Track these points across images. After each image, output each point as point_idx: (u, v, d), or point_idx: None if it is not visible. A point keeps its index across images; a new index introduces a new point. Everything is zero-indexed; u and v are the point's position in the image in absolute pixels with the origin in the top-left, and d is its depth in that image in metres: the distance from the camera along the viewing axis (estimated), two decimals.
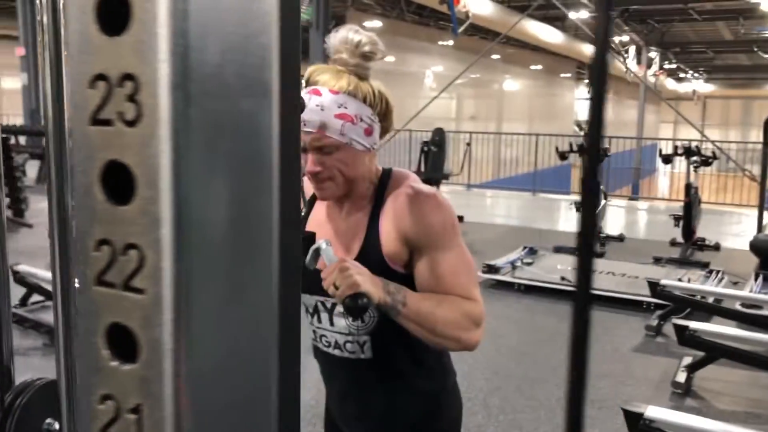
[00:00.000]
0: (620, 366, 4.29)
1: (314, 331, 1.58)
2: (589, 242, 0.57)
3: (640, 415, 2.87)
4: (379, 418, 1.59)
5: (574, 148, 7.60)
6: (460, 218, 9.34)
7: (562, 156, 7.68)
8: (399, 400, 1.57)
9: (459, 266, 1.43)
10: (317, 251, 1.36)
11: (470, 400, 3.78)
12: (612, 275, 6.10)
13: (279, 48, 0.46)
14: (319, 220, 1.56)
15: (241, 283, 0.47)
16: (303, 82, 1.43)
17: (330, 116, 1.37)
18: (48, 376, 3.98)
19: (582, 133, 8.56)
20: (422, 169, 8.93)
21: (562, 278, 5.80)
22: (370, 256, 1.44)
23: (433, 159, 8.84)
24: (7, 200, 9.06)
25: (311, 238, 1.38)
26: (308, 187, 1.62)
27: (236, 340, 0.47)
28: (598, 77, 0.55)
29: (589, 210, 0.52)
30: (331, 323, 1.52)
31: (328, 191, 1.46)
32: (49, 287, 4.21)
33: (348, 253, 1.48)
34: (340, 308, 1.47)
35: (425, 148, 8.89)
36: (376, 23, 19.12)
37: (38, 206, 7.78)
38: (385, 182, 1.50)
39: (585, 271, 0.59)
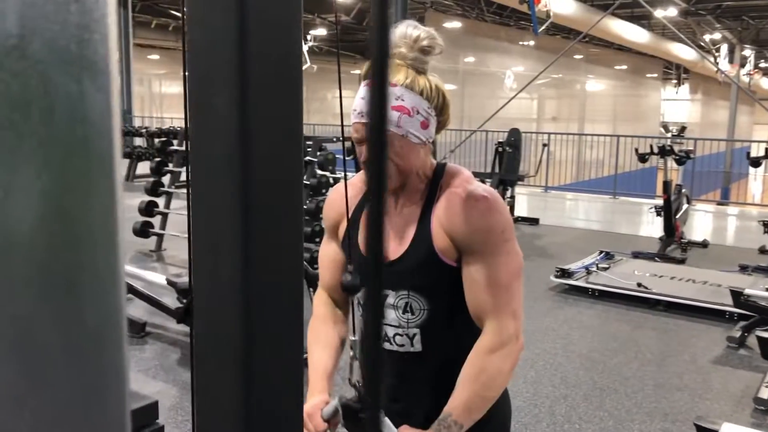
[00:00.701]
0: (698, 378, 4.08)
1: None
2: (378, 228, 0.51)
3: None
4: (425, 416, 1.57)
5: (655, 149, 7.30)
6: (535, 221, 9.16)
7: (642, 158, 7.39)
8: (446, 398, 1.55)
9: (499, 277, 1.41)
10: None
11: (536, 407, 3.69)
12: (692, 282, 5.83)
13: (116, 19, 0.38)
14: None
15: (45, 318, 0.36)
16: (361, 75, 1.44)
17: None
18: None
19: (668, 135, 8.19)
20: (496, 170, 8.81)
21: (639, 284, 5.58)
22: (422, 247, 1.45)
23: (508, 160, 8.69)
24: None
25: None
26: (355, 186, 1.62)
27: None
28: (379, 66, 0.50)
29: (378, 201, 0.47)
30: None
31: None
32: (131, 281, 4.36)
33: (400, 245, 1.48)
34: (391, 299, 1.49)
35: (500, 149, 8.75)
36: (456, 24, 19.00)
37: (128, 203, 8.11)
38: (438, 177, 1.49)
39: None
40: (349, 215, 1.59)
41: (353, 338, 1.46)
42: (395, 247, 1.48)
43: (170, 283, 4.55)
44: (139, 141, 13.68)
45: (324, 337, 1.61)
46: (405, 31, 1.43)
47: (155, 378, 3.97)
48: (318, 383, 1.52)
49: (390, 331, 1.52)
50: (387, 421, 1.40)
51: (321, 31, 21.03)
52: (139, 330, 4.64)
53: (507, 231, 1.44)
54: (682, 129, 10.84)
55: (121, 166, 0.44)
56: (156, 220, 7.36)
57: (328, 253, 1.67)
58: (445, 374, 1.53)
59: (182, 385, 3.86)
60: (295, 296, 0.73)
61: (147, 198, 7.34)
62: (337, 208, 1.62)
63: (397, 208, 1.52)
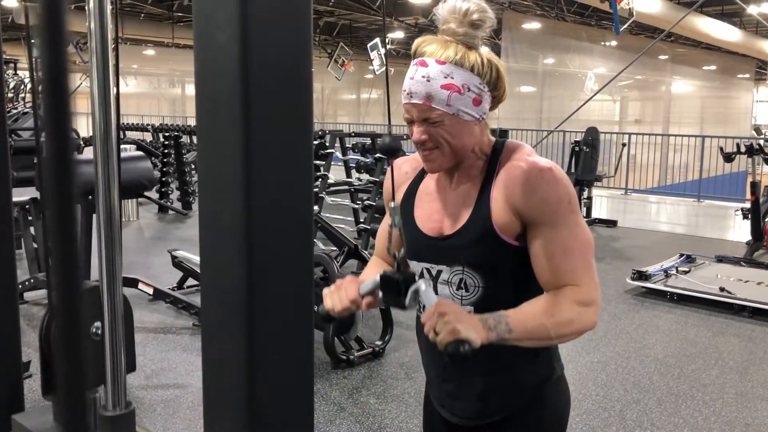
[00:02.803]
0: None
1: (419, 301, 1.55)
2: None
3: None
4: (476, 399, 1.52)
5: (742, 149, 6.93)
6: (613, 223, 8.87)
7: (728, 158, 7.02)
8: (499, 380, 1.49)
9: (572, 245, 1.35)
10: (416, 292, 1.35)
11: (605, 410, 3.54)
12: None
13: None
14: (429, 190, 1.53)
15: None
16: (412, 53, 1.41)
17: (436, 87, 1.34)
18: (197, 357, 4.23)
19: (762, 139, 7.76)
20: (572, 170, 8.58)
21: (722, 289, 5.30)
22: (479, 224, 1.40)
23: (585, 160, 8.46)
24: (177, 193, 9.82)
25: (410, 278, 1.37)
26: (399, 167, 1.59)
27: None
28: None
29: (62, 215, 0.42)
30: (436, 291, 1.48)
31: (436, 162, 1.43)
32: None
33: (457, 221, 1.44)
34: (445, 275, 1.46)
35: (576, 148, 8.52)
36: (535, 24, 18.67)
37: None
38: (497, 153, 1.44)
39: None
40: (405, 190, 1.56)
41: (393, 204, 1.42)
42: (451, 223, 1.45)
43: None
44: None
45: (371, 268, 1.63)
46: (454, 5, 1.38)
47: None
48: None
49: None
50: (429, 289, 1.36)
51: (399, 34, 21.07)
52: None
53: (574, 203, 1.38)
54: None
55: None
56: None
57: (384, 227, 1.65)
58: (498, 356, 1.48)
59: None
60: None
61: None
62: (397, 179, 1.59)
63: (452, 185, 1.48)
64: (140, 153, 5.19)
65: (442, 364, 1.55)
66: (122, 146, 9.10)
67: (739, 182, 13.95)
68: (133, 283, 5.04)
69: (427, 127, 1.38)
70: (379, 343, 4.21)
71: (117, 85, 1.48)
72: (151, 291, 4.99)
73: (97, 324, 2.12)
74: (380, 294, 1.40)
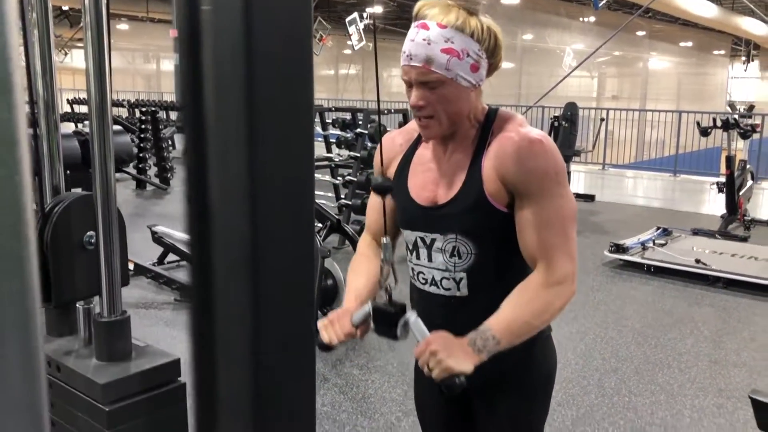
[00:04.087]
0: (757, 356, 3.93)
1: (412, 269, 1.58)
2: None
3: None
4: None
5: (718, 123, 7.01)
6: (591, 197, 8.96)
7: (704, 132, 7.11)
8: None
9: (553, 220, 1.39)
10: (407, 324, 1.40)
11: (584, 378, 3.62)
12: (755, 260, 5.60)
13: None
14: (423, 160, 1.55)
15: None
16: (413, 16, 1.42)
17: (436, 50, 1.35)
18: (180, 331, 4.24)
19: (737, 114, 7.82)
20: None
21: (697, 261, 5.40)
22: (472, 192, 1.43)
23: (564, 135, 8.51)
24: (155, 169, 9.73)
25: (401, 309, 1.41)
26: (392, 139, 1.60)
27: None
28: None
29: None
30: (429, 259, 1.52)
31: (433, 129, 1.45)
32: (184, 247, 4.45)
33: (450, 189, 1.47)
34: (438, 243, 1.49)
35: (555, 123, 8.57)
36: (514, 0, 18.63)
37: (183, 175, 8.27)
38: (490, 121, 1.47)
39: None
40: (399, 161, 1.58)
41: (385, 240, 1.44)
42: (444, 192, 1.48)
43: None
44: None
45: (363, 268, 1.62)
46: None
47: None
48: (351, 302, 1.53)
49: (437, 275, 1.52)
50: (418, 321, 1.40)
51: (378, 9, 20.90)
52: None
53: (561, 174, 1.42)
54: (750, 108, 10.42)
55: None
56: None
57: (374, 202, 1.67)
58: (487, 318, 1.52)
59: None
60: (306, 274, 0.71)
61: None
62: (387, 153, 1.61)
63: (446, 155, 1.50)
64: (119, 127, 5.14)
65: (436, 327, 1.59)
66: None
67: (714, 158, 14.13)
68: None
69: (425, 91, 1.39)
70: None
71: (109, 61, 1.47)
72: (131, 266, 4.97)
73: (91, 233, 2.10)
74: (372, 325, 1.45)
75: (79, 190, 2.62)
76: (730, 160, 6.90)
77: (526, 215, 1.40)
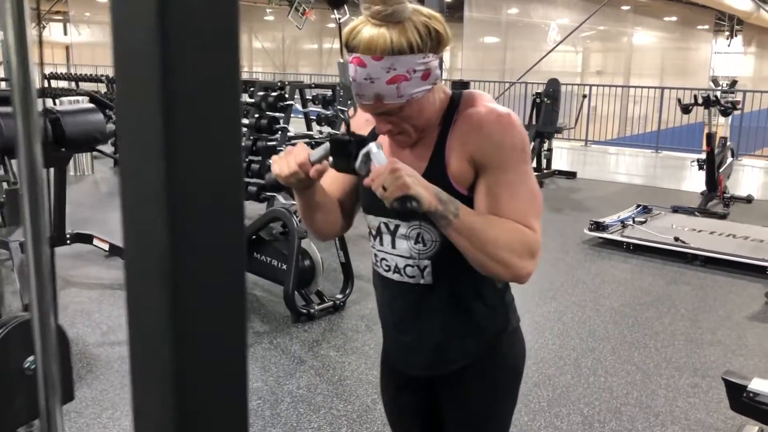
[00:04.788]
0: (732, 334, 3.96)
1: (375, 255, 1.54)
2: None
3: (744, 388, 2.62)
4: (433, 350, 1.53)
5: (699, 100, 7.00)
6: (572, 174, 8.95)
7: (685, 109, 7.10)
8: (456, 332, 1.51)
9: (520, 191, 1.35)
10: (368, 155, 1.30)
11: (561, 359, 3.62)
12: (732, 238, 5.63)
13: None
14: (386, 143, 1.49)
15: None
16: (344, 44, 1.33)
17: (382, 85, 1.29)
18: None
19: (719, 90, 7.77)
20: (534, 122, 8.59)
21: (676, 239, 5.41)
22: (436, 176, 1.37)
23: (546, 111, 8.47)
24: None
25: (361, 141, 1.32)
26: (362, 114, 1.55)
27: None
28: None
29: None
30: (393, 246, 1.48)
31: (407, 141, 1.43)
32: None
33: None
34: (402, 230, 1.45)
35: (537, 100, 8.52)
36: None
37: None
38: (455, 104, 1.42)
39: None
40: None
41: (340, 60, 1.33)
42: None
43: None
44: None
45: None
46: None
47: None
48: None
49: (401, 263, 1.48)
50: (380, 152, 1.30)
51: None
52: None
53: (527, 151, 1.38)
54: (733, 83, 10.42)
55: None
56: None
57: (331, 172, 1.51)
58: (456, 309, 1.49)
59: None
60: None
61: None
62: (359, 122, 1.54)
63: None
64: (91, 105, 5.03)
65: (400, 316, 1.55)
66: (74, 98, 8.83)
67: (696, 133, 14.18)
68: (87, 239, 4.94)
69: (387, 118, 1.36)
70: (339, 296, 4.22)
71: (39, 27, 1.38)
72: (106, 247, 4.90)
73: (31, 359, 2.02)
74: (331, 160, 1.36)
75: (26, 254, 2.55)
76: (710, 137, 6.90)
77: (490, 185, 1.34)
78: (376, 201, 1.48)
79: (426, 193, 1.24)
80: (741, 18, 26.11)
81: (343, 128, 1.36)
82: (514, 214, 1.32)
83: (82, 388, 3.20)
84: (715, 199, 7.17)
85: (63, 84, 15.89)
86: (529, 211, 1.34)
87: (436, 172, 1.38)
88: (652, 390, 3.29)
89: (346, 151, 1.32)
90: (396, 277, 1.50)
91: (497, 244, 1.29)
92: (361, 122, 1.55)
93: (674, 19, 26.78)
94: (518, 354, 1.58)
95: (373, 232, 1.52)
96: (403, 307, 1.53)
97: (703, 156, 7.25)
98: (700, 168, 7.14)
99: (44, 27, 25.04)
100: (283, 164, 1.36)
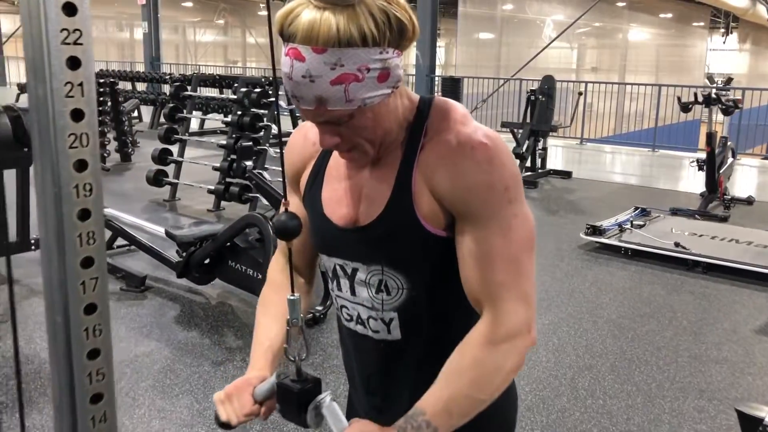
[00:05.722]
0: (739, 351, 3.70)
1: (335, 299, 1.26)
2: None
3: (760, 421, 2.36)
4: (403, 414, 1.25)
5: (699, 98, 6.74)
6: (568, 174, 8.70)
7: (685, 107, 6.83)
8: None
9: (503, 250, 1.06)
10: (317, 407, 1.07)
11: (556, 378, 3.36)
12: (735, 243, 5.38)
13: None
14: (339, 166, 1.20)
15: None
16: (277, 33, 1.03)
17: (325, 86, 0.98)
18: (122, 326, 3.87)
19: (714, 87, 7.49)
20: (528, 120, 8.33)
21: (677, 244, 5.16)
22: (400, 211, 1.10)
23: (541, 109, 8.21)
24: (114, 144, 9.30)
25: (309, 392, 1.07)
26: (304, 136, 1.27)
27: None
28: None
29: None
30: (353, 292, 1.20)
31: (360, 160, 1.13)
32: (133, 232, 4.10)
33: (373, 206, 1.13)
34: (362, 275, 1.17)
35: (532, 97, 8.26)
36: None
37: (146, 150, 7.85)
38: (423, 116, 1.12)
39: None
40: (312, 165, 1.24)
41: (291, 297, 1.08)
42: (366, 210, 1.14)
43: (169, 235, 4.28)
44: (167, 88, 13.46)
45: (275, 308, 1.27)
46: None
47: (149, 337, 3.73)
48: (259, 360, 1.21)
49: (363, 313, 1.20)
50: (333, 406, 1.07)
51: None
52: (138, 284, 4.40)
53: (513, 189, 1.07)
54: (729, 80, 10.19)
55: None
56: (170, 169, 7.11)
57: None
58: (430, 368, 1.20)
59: (175, 346, 3.61)
60: None
61: (161, 146, 7.09)
62: (299, 153, 1.26)
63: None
64: None
65: (366, 373, 1.28)
66: None
67: (693, 131, 13.95)
68: None
69: (332, 128, 1.05)
70: (319, 308, 3.94)
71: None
72: None
73: None
74: (277, 405, 1.12)
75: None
76: (711, 137, 6.64)
77: (467, 245, 1.07)
78: (326, 239, 1.19)
79: None
80: (737, 15, 25.95)
81: (290, 366, 1.10)
82: (494, 286, 1.06)
83: (31, 413, 2.93)
84: (715, 201, 6.92)
85: None
86: (516, 277, 1.06)
87: (401, 207, 1.10)
88: (655, 415, 3.03)
89: (294, 401, 1.07)
90: (359, 329, 1.23)
91: (487, 387, 1.09)
92: (307, 145, 1.25)
93: (669, 15, 26.64)
94: (510, 406, 1.31)
95: (329, 274, 1.24)
96: (369, 364, 1.26)
97: (703, 156, 7.00)
98: (700, 168, 6.88)
99: None
100: (230, 413, 1.15)
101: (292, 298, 1.08)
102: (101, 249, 0.72)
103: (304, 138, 1.26)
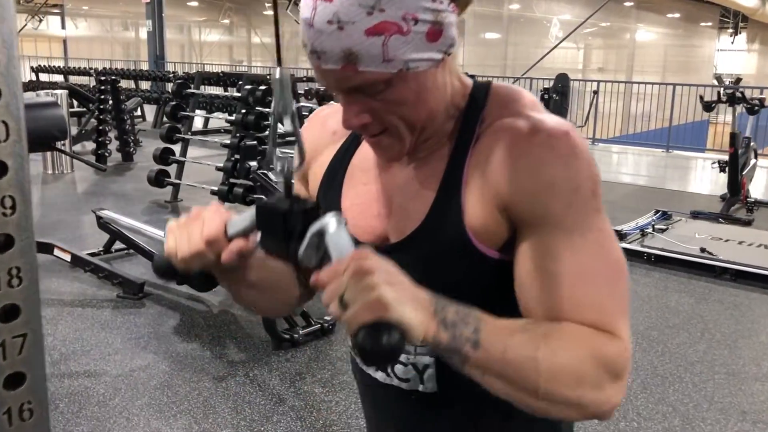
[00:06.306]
0: None
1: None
2: None
3: None
4: None
5: (723, 97, 6.47)
6: None
7: (708, 106, 6.58)
8: None
9: (594, 265, 0.78)
10: (320, 236, 0.74)
11: None
12: (764, 248, 5.11)
13: None
14: (366, 166, 0.94)
15: None
16: None
17: (358, 36, 0.74)
18: (117, 336, 3.64)
19: (721, 88, 7.20)
20: None
21: (703, 249, 4.90)
22: (446, 224, 0.84)
23: (554, 108, 7.95)
24: (116, 143, 9.07)
25: (309, 212, 0.75)
26: (323, 122, 1.02)
27: None
28: None
29: None
30: None
31: (392, 149, 0.86)
32: (131, 235, 3.84)
33: (408, 219, 0.87)
34: None
35: (546, 96, 8.00)
36: None
37: (150, 149, 7.58)
38: (478, 105, 0.87)
39: None
40: (329, 161, 0.99)
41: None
42: (399, 224, 0.89)
43: None
44: (170, 87, 13.25)
45: None
46: None
47: (146, 349, 3.48)
48: None
49: None
50: (342, 231, 0.74)
51: None
52: (136, 291, 4.16)
53: (598, 194, 0.82)
54: (737, 81, 9.93)
55: None
56: (172, 169, 6.87)
57: None
58: (473, 430, 0.95)
59: (174, 359, 3.37)
60: None
61: (163, 145, 6.85)
62: (313, 140, 0.99)
63: (404, 159, 0.90)
64: (50, 99, 4.51)
65: (391, 418, 1.03)
66: (46, 91, 8.28)
67: (701, 132, 13.68)
68: (47, 248, 4.41)
69: (361, 100, 0.80)
70: (328, 318, 3.70)
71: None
72: (68, 258, 4.38)
73: None
74: (259, 236, 0.79)
75: None
76: (734, 137, 6.37)
77: (543, 262, 0.79)
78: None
79: (418, 315, 0.70)
80: (746, 14, 25.65)
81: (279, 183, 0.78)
82: (583, 310, 0.77)
83: None
84: (738, 204, 6.65)
85: (58, 78, 15.40)
86: (610, 303, 0.78)
87: (446, 219, 0.84)
88: None
89: (282, 227, 0.75)
90: (381, 376, 0.97)
91: (555, 378, 0.74)
92: (325, 134, 1.00)
93: (677, 15, 26.38)
94: None
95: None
96: (393, 423, 1.00)
97: (722, 157, 6.73)
98: (722, 170, 6.62)
99: (41, 20, 24.56)
100: (182, 240, 0.81)
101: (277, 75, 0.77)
102: (31, 292, 0.48)
103: (321, 124, 1.01)
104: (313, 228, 0.73)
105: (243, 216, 0.81)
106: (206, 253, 0.80)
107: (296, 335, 3.51)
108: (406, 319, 0.68)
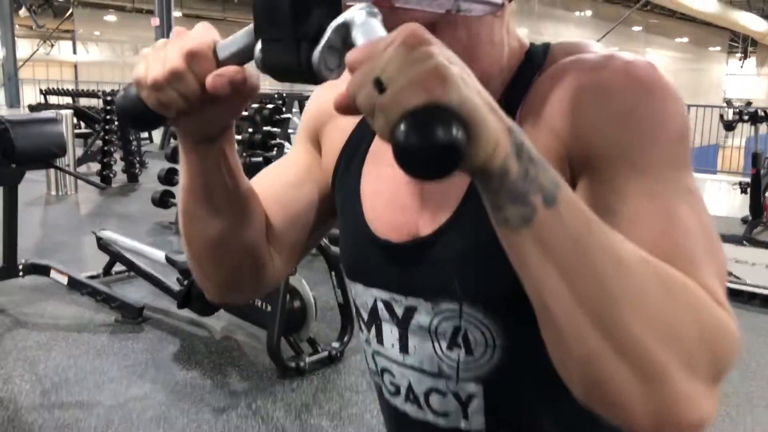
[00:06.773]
0: None
1: (372, 357, 0.79)
2: None
3: None
4: None
5: (745, 117, 6.29)
6: None
7: (729, 126, 6.40)
8: None
9: (684, 220, 0.58)
10: (344, 29, 0.51)
11: None
12: None
13: None
14: (387, 151, 0.74)
15: None
16: None
17: None
18: (112, 364, 3.43)
19: (730, 112, 6.99)
20: None
21: (730, 273, 4.67)
22: (488, 216, 0.62)
23: None
24: (122, 164, 8.94)
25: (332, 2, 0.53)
26: (327, 96, 0.82)
27: None
28: None
29: None
30: (403, 348, 0.73)
31: None
32: (132, 257, 3.65)
33: (442, 209, 0.68)
34: (423, 319, 0.70)
35: None
36: None
37: (155, 170, 7.43)
38: (534, 64, 0.68)
39: None
40: (342, 145, 0.80)
41: None
42: (432, 212, 0.69)
43: (170, 260, 3.85)
44: None
45: None
46: None
47: (142, 377, 3.27)
48: None
49: (420, 384, 0.73)
50: (366, 17, 0.51)
51: None
52: (136, 315, 3.96)
53: (687, 143, 0.63)
54: (748, 104, 9.79)
55: None
56: (177, 190, 6.72)
57: (281, 161, 0.88)
58: None
59: (172, 388, 3.16)
60: None
61: (168, 165, 6.70)
62: (326, 109, 0.81)
63: None
64: (49, 116, 4.35)
65: None
66: (52, 111, 8.16)
67: (710, 155, 13.53)
68: (44, 270, 4.23)
69: None
70: (336, 344, 3.48)
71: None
72: (65, 280, 4.19)
73: None
74: (258, 50, 0.55)
75: None
76: (756, 157, 6.17)
77: (624, 207, 0.58)
78: (364, 259, 0.73)
79: (491, 117, 0.46)
80: (755, 39, 25.60)
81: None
82: (681, 259, 0.55)
83: None
84: (760, 226, 6.43)
85: (68, 100, 15.41)
86: (705, 260, 0.57)
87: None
88: None
89: (290, 19, 0.52)
90: (411, 409, 0.76)
91: (644, 312, 0.51)
92: (337, 88, 0.80)
93: (686, 39, 26.37)
94: None
95: (364, 317, 0.77)
96: None
97: (742, 179, 6.53)
98: (743, 191, 6.41)
99: (52, 45, 24.79)
100: (155, 60, 0.58)
101: None
102: None
103: (328, 101, 0.81)
104: (335, 23, 0.52)
105: (237, 34, 0.59)
106: (185, 73, 0.57)
107: (302, 363, 3.30)
108: (471, 108, 0.45)
